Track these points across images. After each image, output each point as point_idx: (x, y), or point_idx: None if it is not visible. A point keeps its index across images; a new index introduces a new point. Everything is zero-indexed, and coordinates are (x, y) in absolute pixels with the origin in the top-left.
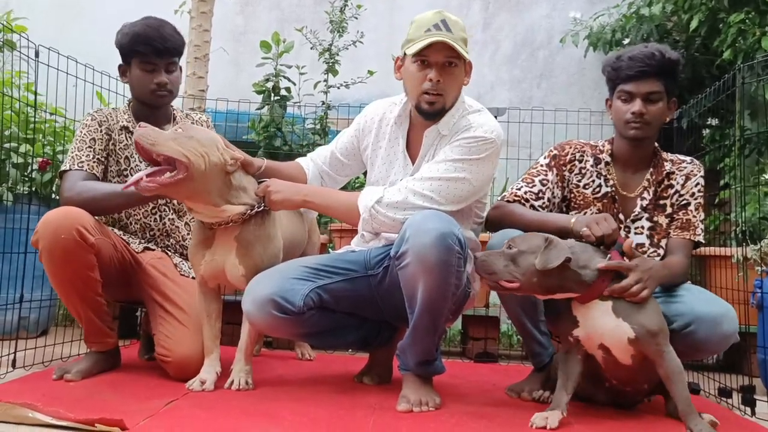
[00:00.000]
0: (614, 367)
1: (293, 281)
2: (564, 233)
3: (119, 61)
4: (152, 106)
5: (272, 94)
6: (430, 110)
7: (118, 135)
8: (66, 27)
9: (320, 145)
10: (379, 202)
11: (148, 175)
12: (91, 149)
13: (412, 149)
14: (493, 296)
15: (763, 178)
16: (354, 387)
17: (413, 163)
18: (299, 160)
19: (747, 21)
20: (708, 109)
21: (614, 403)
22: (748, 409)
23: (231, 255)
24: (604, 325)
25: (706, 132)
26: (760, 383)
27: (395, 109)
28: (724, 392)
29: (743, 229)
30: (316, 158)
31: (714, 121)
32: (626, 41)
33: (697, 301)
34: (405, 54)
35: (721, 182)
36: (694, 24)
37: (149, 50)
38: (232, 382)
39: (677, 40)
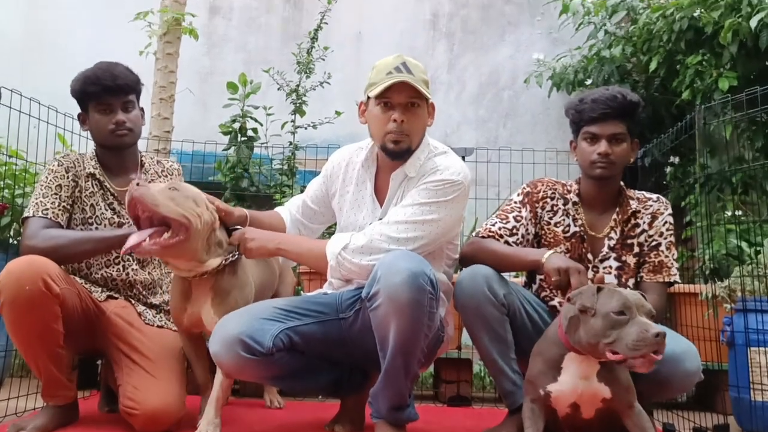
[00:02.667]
0: (574, 420)
1: (263, 321)
2: (533, 267)
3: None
4: (117, 149)
5: (239, 135)
6: (395, 149)
7: (85, 182)
8: (29, 67)
9: (288, 185)
10: (345, 248)
11: (150, 237)
12: (57, 196)
13: (379, 193)
14: (465, 338)
15: (725, 215)
16: None
17: (381, 206)
18: (278, 209)
19: (704, 62)
20: (670, 148)
21: None
22: None
23: (206, 305)
24: (585, 386)
25: (668, 170)
26: (733, 421)
27: (362, 154)
28: None
29: (711, 266)
30: (291, 208)
31: (675, 160)
32: (588, 81)
33: None
34: (368, 98)
35: (685, 219)
36: (653, 65)
37: (100, 90)
38: None
39: (637, 81)
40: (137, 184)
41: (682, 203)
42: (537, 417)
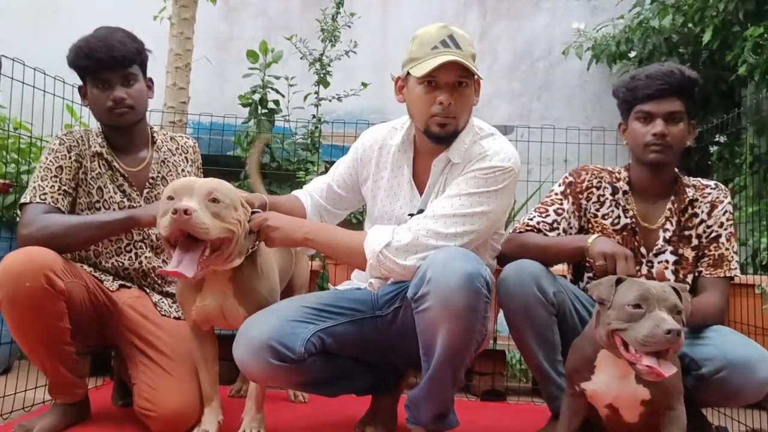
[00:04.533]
0: (617, 424)
1: (293, 324)
2: (579, 254)
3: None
4: (120, 128)
5: (259, 107)
6: (441, 133)
7: (90, 162)
8: (41, 36)
9: (311, 162)
10: (388, 246)
11: (200, 264)
12: (57, 179)
13: (418, 180)
14: (500, 326)
15: None
16: None
17: (421, 194)
18: (296, 192)
19: (765, 35)
20: (717, 128)
21: None
22: None
23: (229, 298)
24: (620, 387)
25: (714, 149)
26: None
27: (396, 135)
28: None
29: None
30: (313, 192)
31: (722, 139)
32: (632, 54)
33: (728, 345)
34: (408, 74)
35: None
36: (706, 37)
37: (94, 64)
38: None
39: (683, 54)
40: (185, 212)
41: (730, 185)
42: (573, 412)
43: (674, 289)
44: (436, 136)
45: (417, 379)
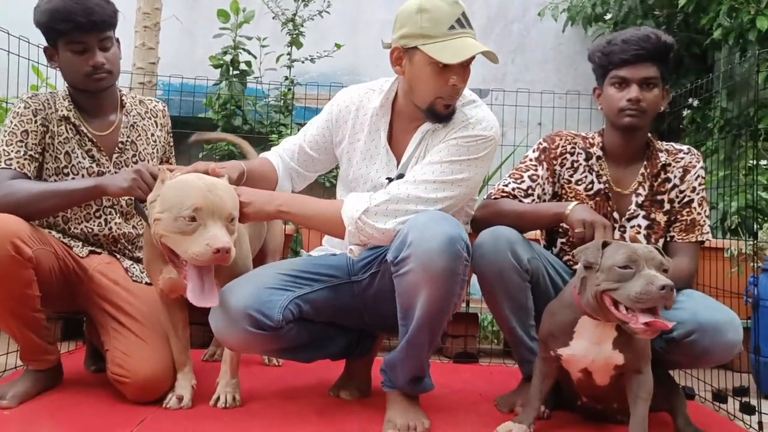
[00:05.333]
0: (588, 386)
1: (270, 292)
2: (557, 221)
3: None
4: (93, 93)
5: (231, 69)
6: (445, 113)
7: (57, 126)
8: None
9: (284, 124)
10: (367, 212)
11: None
12: (23, 143)
13: (394, 145)
14: (473, 289)
15: (750, 164)
16: (332, 404)
17: (398, 159)
18: (266, 155)
19: None
20: (690, 92)
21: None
22: (753, 420)
23: None
24: (597, 353)
25: (685, 113)
26: (752, 381)
27: (374, 98)
28: (719, 397)
29: (737, 220)
30: (283, 154)
31: (694, 102)
32: (608, 16)
33: (699, 308)
34: (416, 48)
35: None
36: (682, 0)
37: (72, 27)
38: (218, 398)
39: (657, 16)
40: (227, 252)
41: (701, 149)
42: (545, 375)
43: (657, 249)
44: (440, 116)
45: (390, 343)
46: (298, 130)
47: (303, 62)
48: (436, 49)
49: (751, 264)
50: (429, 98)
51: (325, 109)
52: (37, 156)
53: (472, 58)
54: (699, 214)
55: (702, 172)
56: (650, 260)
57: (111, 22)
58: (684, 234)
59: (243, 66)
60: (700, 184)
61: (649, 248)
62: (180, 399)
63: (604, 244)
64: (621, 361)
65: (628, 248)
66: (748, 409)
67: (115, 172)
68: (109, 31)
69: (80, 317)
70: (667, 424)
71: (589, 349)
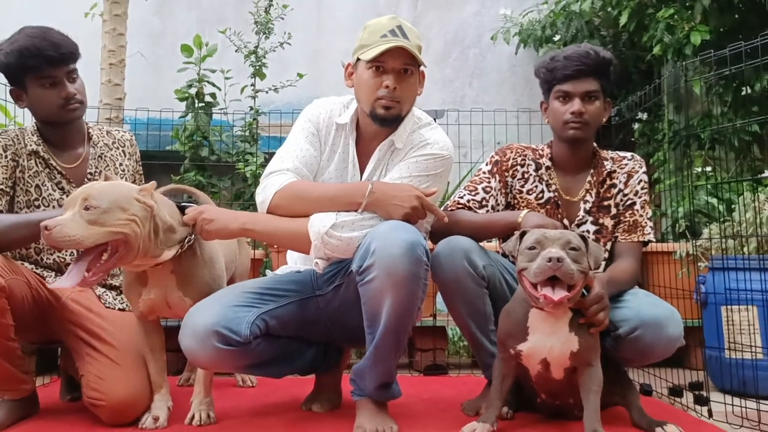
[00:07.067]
0: (545, 381)
1: (236, 309)
2: (510, 230)
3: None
4: (63, 124)
5: (196, 101)
6: (386, 115)
7: (27, 161)
8: None
9: (250, 153)
10: (333, 226)
11: (88, 270)
12: None
13: (360, 160)
14: (439, 305)
15: (695, 172)
16: (304, 417)
17: (361, 175)
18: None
19: (675, 16)
20: (639, 105)
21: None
22: (704, 410)
23: (173, 289)
24: (556, 339)
25: (636, 127)
26: (707, 378)
27: (344, 113)
28: (676, 392)
29: (685, 223)
30: (295, 172)
31: (644, 116)
32: (556, 37)
33: (642, 306)
34: (358, 60)
35: (653, 177)
36: (623, 20)
37: (42, 62)
38: (193, 416)
39: (604, 36)
40: (46, 228)
41: (650, 160)
42: (504, 375)
43: (581, 236)
44: (381, 118)
45: (357, 361)
46: (264, 158)
47: (267, 92)
48: (366, 52)
49: (699, 264)
50: (370, 101)
51: (302, 127)
52: (8, 190)
53: (405, 66)
54: (641, 216)
55: (644, 177)
56: (556, 240)
57: (77, 55)
58: (627, 234)
59: (208, 98)
60: (642, 188)
61: (561, 232)
62: (156, 419)
63: (522, 234)
64: (576, 346)
65: (539, 232)
66: (701, 400)
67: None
68: (74, 63)
69: (54, 348)
70: (622, 418)
71: (545, 339)
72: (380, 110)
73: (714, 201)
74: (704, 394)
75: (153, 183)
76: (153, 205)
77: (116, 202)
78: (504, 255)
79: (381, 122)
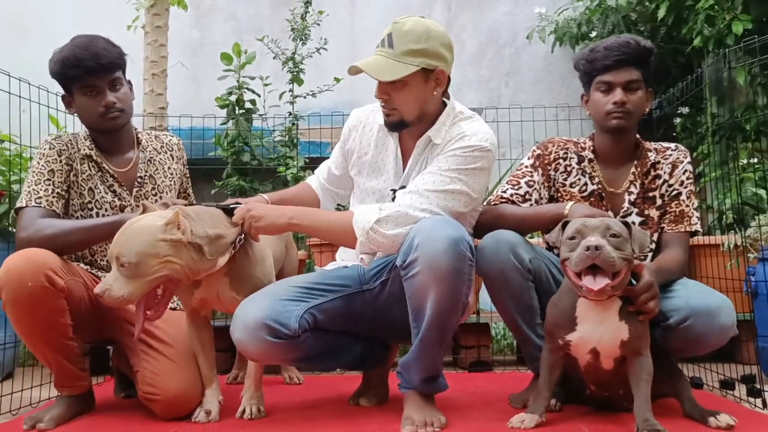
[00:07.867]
0: (595, 371)
1: (285, 303)
2: (557, 220)
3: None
4: (108, 131)
5: (236, 108)
6: (387, 122)
7: (80, 164)
8: (13, 47)
9: (290, 157)
10: (378, 221)
11: (148, 309)
12: (50, 182)
13: (403, 158)
14: (482, 302)
15: (739, 164)
16: (352, 410)
17: (404, 170)
18: (308, 179)
19: (715, 7)
20: (677, 97)
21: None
22: (758, 401)
23: (226, 289)
24: (605, 328)
25: (677, 121)
26: (759, 371)
27: (379, 115)
28: (727, 384)
29: (732, 215)
30: (320, 176)
31: (685, 110)
32: (593, 34)
33: (692, 295)
34: None
35: (697, 170)
36: (661, 13)
37: (82, 72)
38: (244, 410)
39: (642, 31)
40: (102, 294)
41: (694, 154)
42: (552, 367)
43: (624, 221)
44: (386, 124)
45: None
46: (304, 161)
47: (305, 97)
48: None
49: (748, 256)
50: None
51: (342, 132)
52: (63, 193)
53: (379, 78)
54: (687, 206)
55: (689, 167)
56: (596, 228)
57: (118, 63)
58: (674, 225)
59: (248, 105)
60: (687, 178)
61: (601, 219)
62: (208, 413)
63: (564, 224)
64: (627, 335)
65: (579, 221)
66: (754, 392)
67: (137, 206)
68: (117, 72)
69: (107, 347)
70: (673, 409)
71: (595, 329)
72: (383, 117)
73: (762, 192)
74: (757, 386)
75: (176, 211)
76: (181, 238)
77: (143, 253)
78: (549, 248)
79: (388, 127)
